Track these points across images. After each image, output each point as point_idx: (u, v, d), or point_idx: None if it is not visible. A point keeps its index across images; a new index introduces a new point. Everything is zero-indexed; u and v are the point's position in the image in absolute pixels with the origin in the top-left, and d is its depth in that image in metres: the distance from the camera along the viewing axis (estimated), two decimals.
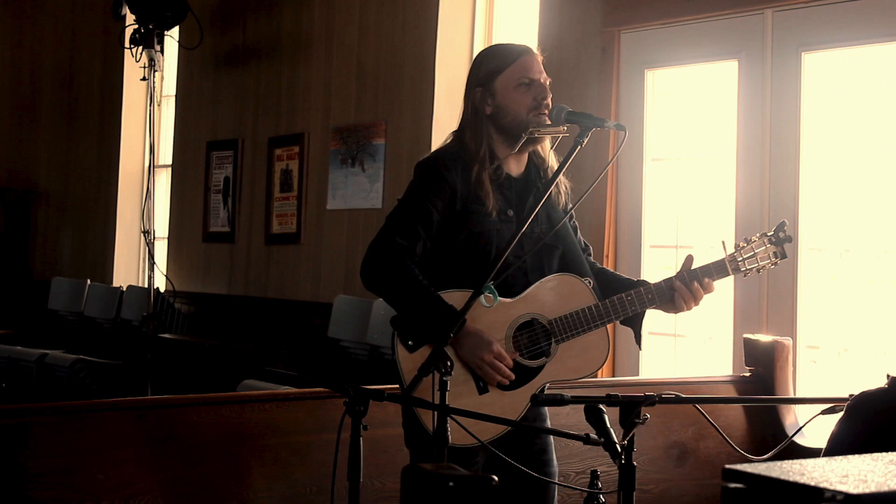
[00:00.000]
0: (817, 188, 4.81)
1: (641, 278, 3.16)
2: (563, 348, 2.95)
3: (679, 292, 2.97)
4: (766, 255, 3.03)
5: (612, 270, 3.30)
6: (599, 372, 5.24)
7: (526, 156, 3.09)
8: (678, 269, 3.02)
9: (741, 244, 3.03)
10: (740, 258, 3.01)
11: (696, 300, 3.00)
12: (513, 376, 2.89)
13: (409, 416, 2.93)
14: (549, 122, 2.96)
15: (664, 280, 3.00)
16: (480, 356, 2.85)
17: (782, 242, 3.03)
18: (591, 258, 3.22)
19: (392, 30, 6.74)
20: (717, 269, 3.00)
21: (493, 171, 2.99)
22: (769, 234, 3.04)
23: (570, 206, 3.10)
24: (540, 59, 3.06)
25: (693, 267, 3.01)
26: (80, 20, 9.56)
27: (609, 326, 3.02)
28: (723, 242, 3.04)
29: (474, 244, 2.95)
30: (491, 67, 3.03)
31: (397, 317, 2.94)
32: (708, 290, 3.01)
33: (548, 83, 3.03)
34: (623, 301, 2.95)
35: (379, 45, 6.84)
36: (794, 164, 4.82)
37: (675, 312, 3.04)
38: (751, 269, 3.02)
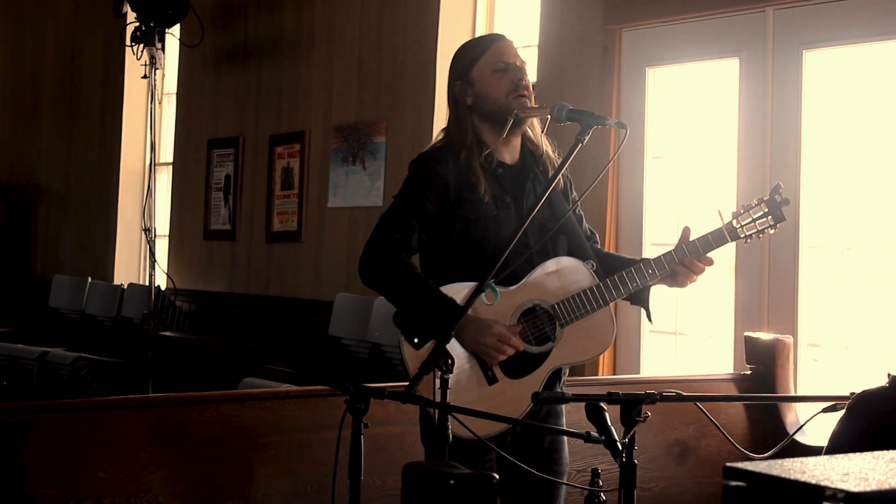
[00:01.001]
0: (818, 186, 4.80)
1: (644, 257, 3.14)
2: (569, 331, 2.94)
3: (678, 271, 2.97)
4: (765, 220, 3.01)
5: (616, 254, 3.30)
6: (600, 370, 5.25)
7: (518, 142, 3.09)
8: (677, 242, 3.01)
9: (739, 211, 3.02)
10: (738, 225, 3.00)
11: (697, 274, 2.99)
12: (520, 346, 2.88)
13: (424, 413, 2.94)
14: (532, 104, 2.98)
15: (663, 254, 2.99)
16: (483, 341, 2.84)
17: (780, 206, 3.01)
18: (598, 245, 3.22)
19: (393, 27, 6.74)
20: (716, 238, 2.99)
21: (484, 160, 3.00)
22: (766, 198, 3.02)
23: (572, 192, 3.11)
24: (514, 44, 3.09)
25: (691, 238, 3.01)
26: (81, 18, 9.56)
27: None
28: (718, 211, 3.02)
29: (472, 232, 2.96)
30: (466, 59, 3.07)
31: (399, 314, 2.95)
32: (706, 263, 2.99)
33: (524, 66, 3.05)
34: (623, 278, 2.95)
35: (380, 42, 6.84)
36: (794, 163, 4.82)
37: (677, 287, 3.03)
38: (750, 234, 3.00)
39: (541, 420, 3.04)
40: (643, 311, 3.09)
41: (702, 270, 3.00)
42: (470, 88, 3.03)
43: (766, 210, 3.00)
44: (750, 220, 3.00)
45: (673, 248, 3.01)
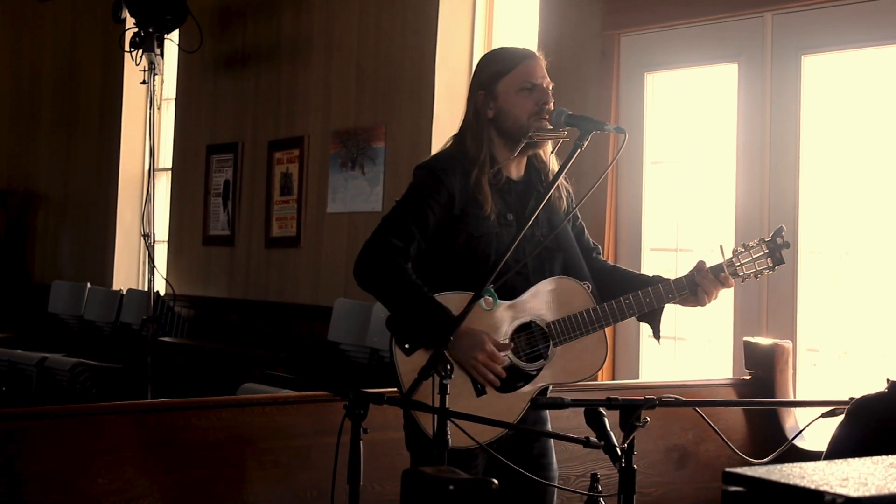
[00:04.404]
0: (817, 191, 4.81)
1: (657, 275, 3.12)
2: (561, 351, 2.94)
3: (702, 284, 2.96)
4: (764, 261, 3.02)
5: (625, 268, 3.29)
6: (599, 375, 5.25)
7: (525, 159, 3.09)
8: (689, 271, 3.01)
9: (739, 249, 3.02)
10: (738, 263, 3.00)
11: (717, 292, 2.99)
12: (502, 375, 2.88)
13: (409, 419, 2.93)
14: (549, 127, 2.96)
15: (663, 284, 2.99)
16: (474, 355, 2.83)
17: (780, 248, 3.02)
18: (602, 257, 3.22)
19: (392, 33, 6.75)
20: (715, 274, 3.00)
21: (492, 176, 2.99)
22: (767, 239, 3.03)
23: (573, 209, 3.09)
24: (543, 63, 3.06)
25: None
26: (79, 23, 9.57)
27: (607, 330, 3.01)
28: (720, 247, 3.03)
29: (474, 248, 2.95)
30: (494, 71, 3.03)
31: (392, 318, 2.94)
32: (727, 284, 2.99)
33: (550, 88, 3.03)
34: (621, 305, 2.95)
35: (378, 48, 6.84)
36: (793, 168, 4.82)
37: (698, 305, 3.02)
38: (748, 274, 3.01)
39: (529, 427, 3.03)
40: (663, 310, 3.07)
41: (720, 290, 2.99)
42: (492, 102, 3.00)
43: (767, 251, 3.01)
44: (750, 259, 3.01)
45: (684, 275, 3.01)
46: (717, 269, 2.99)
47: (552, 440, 3.11)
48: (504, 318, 2.93)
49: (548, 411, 3.11)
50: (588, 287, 2.99)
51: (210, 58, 8.07)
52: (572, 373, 2.97)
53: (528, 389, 2.92)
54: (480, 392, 2.89)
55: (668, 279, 3.01)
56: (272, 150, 7.58)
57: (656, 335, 3.05)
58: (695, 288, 2.97)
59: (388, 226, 2.94)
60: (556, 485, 3.08)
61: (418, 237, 2.93)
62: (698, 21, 5.20)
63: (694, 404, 2.99)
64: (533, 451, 3.04)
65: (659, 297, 2.97)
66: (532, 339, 2.94)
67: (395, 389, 2.92)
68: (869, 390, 2.99)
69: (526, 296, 2.96)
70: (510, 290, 2.94)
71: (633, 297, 2.95)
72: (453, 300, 2.85)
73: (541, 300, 2.96)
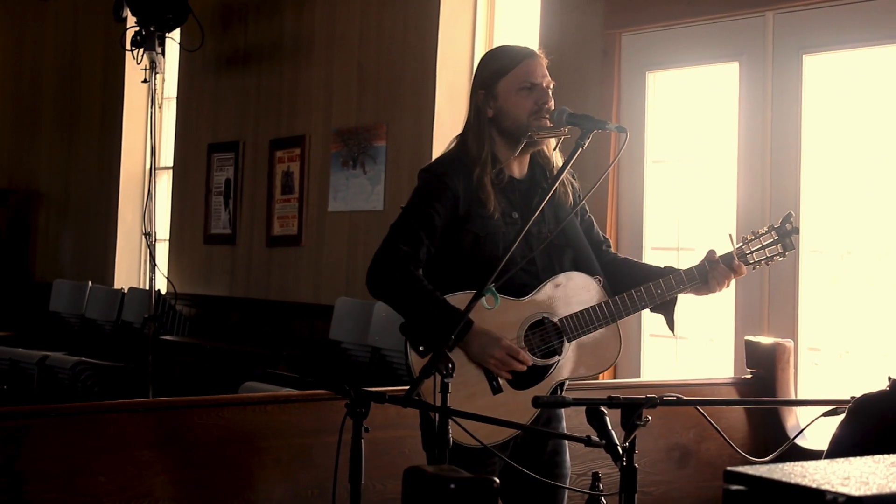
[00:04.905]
0: (818, 190, 4.81)
1: (668, 265, 3.11)
2: (575, 346, 2.95)
3: (714, 272, 2.96)
4: (774, 248, 3.02)
5: (635, 260, 3.29)
6: (601, 375, 5.25)
7: (528, 158, 3.09)
8: (700, 261, 3.01)
9: (748, 237, 3.03)
10: (748, 251, 3.00)
11: (729, 280, 2.99)
12: (529, 361, 2.88)
13: (425, 419, 2.94)
14: (549, 125, 2.96)
15: (674, 275, 2.99)
16: (491, 353, 2.84)
17: (789, 234, 3.01)
18: (612, 251, 3.21)
19: (393, 32, 6.75)
20: (726, 263, 2.99)
21: (495, 175, 3.00)
22: (776, 226, 3.03)
23: (581, 202, 3.09)
24: (544, 62, 3.06)
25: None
26: (81, 22, 9.57)
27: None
28: (730, 235, 3.03)
29: (481, 248, 2.95)
30: (494, 70, 3.04)
31: (405, 324, 2.94)
32: (740, 272, 2.99)
33: (551, 87, 3.03)
34: (633, 297, 2.95)
35: (380, 47, 6.84)
36: (794, 167, 4.82)
37: (710, 293, 3.01)
38: (759, 261, 3.01)
39: (542, 426, 3.04)
40: (645, 315, 3.08)
41: (732, 278, 2.99)
42: (493, 101, 3.01)
43: (776, 238, 3.01)
44: (760, 246, 3.01)
45: (696, 265, 3.00)
46: (727, 258, 2.99)
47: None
48: (516, 315, 2.93)
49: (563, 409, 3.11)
50: (599, 281, 3.00)
51: (211, 56, 8.07)
52: (587, 367, 2.98)
53: (544, 385, 2.93)
54: (497, 390, 2.90)
55: (680, 270, 3.01)
56: (273, 148, 7.58)
57: (671, 326, 3.05)
58: (706, 277, 2.97)
59: (395, 233, 2.95)
60: (566, 485, 3.08)
61: (426, 241, 2.93)
62: (699, 20, 5.20)
63: (695, 403, 2.99)
64: (547, 447, 3.05)
65: (671, 287, 2.97)
66: (545, 335, 2.95)
67: (396, 388, 2.92)
68: (870, 389, 2.99)
69: (537, 293, 2.96)
70: (520, 288, 2.94)
71: (644, 290, 2.95)
72: (460, 300, 2.86)
73: (552, 296, 2.97)
